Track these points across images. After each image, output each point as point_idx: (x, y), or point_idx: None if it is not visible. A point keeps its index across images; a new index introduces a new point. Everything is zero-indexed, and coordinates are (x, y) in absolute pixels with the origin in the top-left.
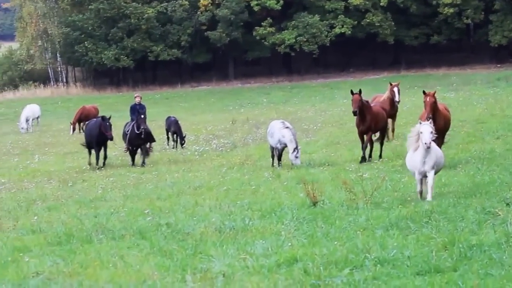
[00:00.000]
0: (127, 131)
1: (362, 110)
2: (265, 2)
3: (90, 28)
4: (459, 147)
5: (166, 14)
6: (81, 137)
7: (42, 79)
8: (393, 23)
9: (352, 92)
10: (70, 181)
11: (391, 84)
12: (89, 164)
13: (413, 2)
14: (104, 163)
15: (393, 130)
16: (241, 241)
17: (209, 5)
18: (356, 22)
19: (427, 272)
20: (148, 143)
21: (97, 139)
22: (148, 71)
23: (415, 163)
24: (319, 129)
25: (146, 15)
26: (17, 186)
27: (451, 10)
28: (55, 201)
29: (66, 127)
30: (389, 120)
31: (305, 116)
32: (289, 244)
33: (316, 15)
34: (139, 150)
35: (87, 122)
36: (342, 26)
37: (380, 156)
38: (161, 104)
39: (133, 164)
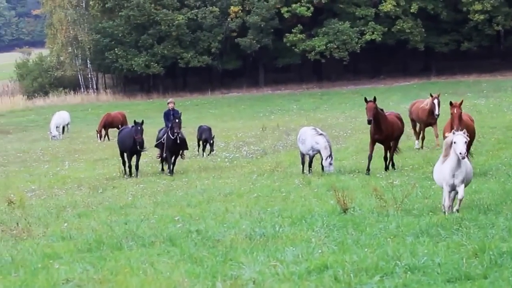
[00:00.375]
0: (162, 138)
1: (377, 119)
2: (295, 9)
3: (120, 35)
4: (490, 154)
5: (197, 20)
6: (110, 143)
7: (72, 85)
8: (423, 30)
9: (366, 100)
10: (100, 187)
11: (431, 96)
12: (124, 172)
13: (443, 8)
14: (136, 174)
15: (436, 136)
16: (271, 248)
17: (240, 11)
18: (387, 28)
19: (457, 279)
20: (181, 150)
21: (131, 147)
22: (178, 78)
23: (444, 175)
24: (349, 136)
25: (176, 21)
26: (47, 192)
27: (482, 17)
28: (85, 208)
29: (96, 134)
30: (428, 127)
31: (335, 123)
32: (319, 251)
33: (347, 21)
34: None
35: (120, 129)
36: (373, 33)
37: (392, 166)
38: (191, 110)
39: (168, 170)
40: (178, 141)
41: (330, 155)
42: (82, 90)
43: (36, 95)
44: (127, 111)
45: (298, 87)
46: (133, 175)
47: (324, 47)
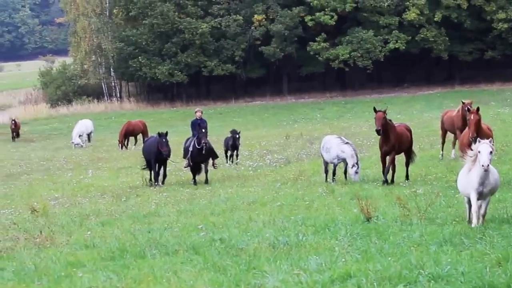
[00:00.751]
0: (189, 147)
1: (386, 130)
2: (319, 17)
3: (144, 43)
4: None
5: (220, 29)
6: (133, 152)
7: (96, 94)
8: (447, 39)
9: (375, 110)
10: (124, 196)
11: (463, 103)
12: (150, 182)
13: (467, 17)
14: (163, 181)
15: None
16: (294, 256)
17: (263, 20)
18: (410, 37)
19: (479, 287)
20: (211, 159)
21: (156, 156)
22: (202, 86)
23: (472, 184)
24: (372, 145)
25: (200, 30)
26: (70, 201)
27: (506, 26)
28: (109, 216)
29: (118, 143)
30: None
31: (359, 131)
32: (343, 259)
33: (370, 30)
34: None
35: (145, 139)
36: (396, 42)
37: (407, 178)
38: (215, 119)
39: (194, 182)
40: (204, 152)
41: (357, 163)
42: (106, 98)
43: (59, 103)
44: (150, 120)
45: (321, 95)
46: (159, 183)
47: (348, 55)
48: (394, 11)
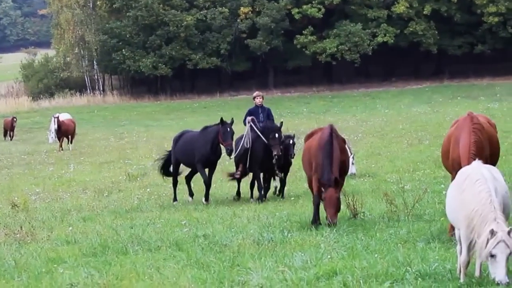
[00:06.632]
0: (244, 148)
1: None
2: (306, 10)
3: (127, 36)
4: (502, 158)
5: (206, 21)
6: (116, 146)
7: (79, 87)
8: (436, 32)
9: None
10: (106, 191)
11: None
12: (175, 197)
13: (457, 10)
14: (207, 196)
15: None
16: (279, 253)
17: (249, 12)
18: (399, 31)
19: (468, 286)
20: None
21: (207, 157)
22: (186, 80)
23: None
24: (359, 140)
25: (185, 22)
26: (51, 196)
27: (496, 19)
28: (91, 212)
29: (102, 136)
30: None
31: (346, 126)
32: (329, 256)
33: (358, 23)
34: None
35: (179, 134)
36: (385, 35)
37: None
38: (199, 113)
39: (238, 196)
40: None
41: (351, 153)
42: (88, 92)
43: (41, 96)
44: (134, 113)
45: (308, 89)
46: (204, 199)
47: (335, 49)
48: (382, 4)
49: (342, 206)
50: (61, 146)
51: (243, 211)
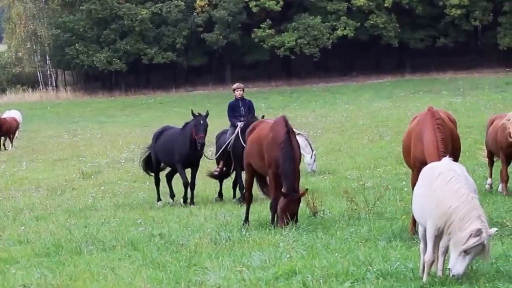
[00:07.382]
0: (227, 144)
1: None
2: (264, 3)
3: (81, 30)
4: (466, 154)
5: (161, 15)
6: (70, 143)
7: (31, 83)
8: (397, 25)
9: None
10: (59, 189)
11: None
12: (158, 196)
13: (418, 3)
14: (192, 199)
15: None
16: (237, 252)
17: (206, 6)
18: (359, 24)
19: (431, 285)
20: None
21: (187, 155)
22: (141, 75)
23: (432, 214)
24: (319, 136)
25: (139, 16)
26: (3, 194)
27: (459, 12)
28: (43, 211)
29: (55, 133)
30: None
31: (305, 122)
32: (288, 256)
33: (318, 16)
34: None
35: (158, 132)
36: (345, 28)
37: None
38: (154, 109)
39: (220, 196)
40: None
41: (312, 151)
42: (41, 87)
43: None
44: (88, 109)
45: (266, 84)
46: (183, 200)
47: (294, 43)
48: None
49: (301, 204)
50: (3, 145)
51: (200, 210)
